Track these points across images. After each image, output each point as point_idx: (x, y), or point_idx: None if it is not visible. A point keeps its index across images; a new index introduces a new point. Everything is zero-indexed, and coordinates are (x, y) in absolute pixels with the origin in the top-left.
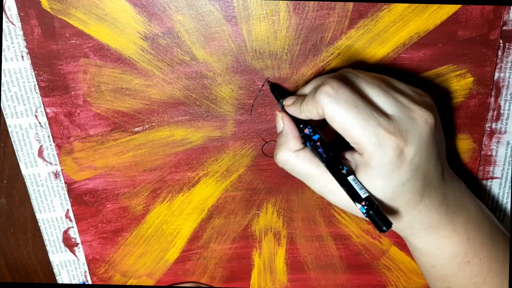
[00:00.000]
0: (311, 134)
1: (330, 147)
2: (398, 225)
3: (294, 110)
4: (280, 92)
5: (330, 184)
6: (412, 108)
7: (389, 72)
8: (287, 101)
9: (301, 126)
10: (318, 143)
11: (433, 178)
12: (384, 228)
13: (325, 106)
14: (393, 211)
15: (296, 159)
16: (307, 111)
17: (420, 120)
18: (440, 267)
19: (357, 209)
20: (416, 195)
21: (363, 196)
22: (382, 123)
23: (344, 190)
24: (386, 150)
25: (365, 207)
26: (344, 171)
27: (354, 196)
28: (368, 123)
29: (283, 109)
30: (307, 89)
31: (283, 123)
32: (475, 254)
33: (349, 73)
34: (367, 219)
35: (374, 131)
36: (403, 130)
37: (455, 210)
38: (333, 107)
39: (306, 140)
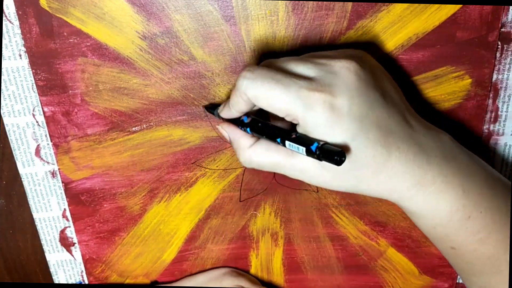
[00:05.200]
0: (248, 121)
1: (263, 121)
2: (379, 188)
3: (226, 113)
4: (213, 107)
5: (298, 163)
6: (332, 64)
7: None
8: (219, 108)
9: (240, 121)
10: (249, 121)
11: (392, 127)
12: (336, 158)
13: (246, 89)
14: (364, 174)
15: (255, 153)
16: (235, 105)
17: (342, 70)
18: (441, 227)
19: (334, 180)
20: (378, 148)
21: (309, 142)
22: (303, 85)
23: (291, 147)
24: (315, 108)
25: (313, 150)
26: (284, 133)
27: (304, 147)
28: (289, 89)
29: (221, 119)
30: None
31: (226, 130)
32: (475, 207)
33: (269, 61)
34: (322, 161)
35: (296, 94)
36: (326, 85)
37: (440, 162)
38: (253, 86)
39: (252, 132)
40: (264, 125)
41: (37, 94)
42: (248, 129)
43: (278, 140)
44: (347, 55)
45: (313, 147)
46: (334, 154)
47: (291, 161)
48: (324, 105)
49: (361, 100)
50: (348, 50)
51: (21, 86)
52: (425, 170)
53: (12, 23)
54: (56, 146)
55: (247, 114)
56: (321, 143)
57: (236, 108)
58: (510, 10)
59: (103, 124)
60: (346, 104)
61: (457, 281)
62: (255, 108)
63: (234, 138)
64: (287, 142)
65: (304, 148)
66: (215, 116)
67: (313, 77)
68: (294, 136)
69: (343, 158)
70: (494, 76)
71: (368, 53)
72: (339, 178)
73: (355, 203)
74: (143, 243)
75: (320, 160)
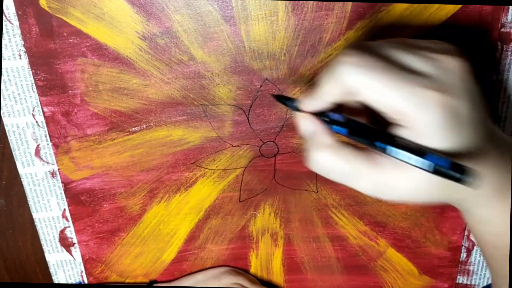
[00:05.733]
0: (342, 119)
1: (358, 121)
2: (469, 194)
3: (311, 103)
4: (286, 98)
5: (383, 175)
6: (442, 59)
7: None
8: (302, 99)
9: (324, 118)
10: (344, 120)
11: (492, 130)
12: (459, 176)
13: (347, 78)
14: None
15: (334, 155)
16: (326, 94)
17: (459, 70)
18: (505, 234)
19: (424, 192)
20: (484, 155)
21: (424, 148)
22: (419, 82)
23: (397, 156)
24: (433, 110)
25: (432, 161)
26: (387, 136)
27: (420, 156)
28: (402, 83)
29: (298, 111)
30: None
31: (306, 123)
32: None
33: (362, 43)
34: (438, 176)
35: (412, 91)
36: (445, 85)
37: None
38: (357, 73)
39: (348, 134)
40: (361, 125)
41: (36, 94)
42: (333, 127)
43: (379, 143)
44: (452, 50)
45: (439, 161)
46: (464, 171)
47: (378, 175)
48: (444, 107)
49: (473, 103)
50: (447, 45)
51: (21, 86)
52: (508, 174)
53: (12, 23)
54: (56, 146)
55: (332, 111)
56: (446, 158)
57: (326, 98)
58: (510, 10)
59: (103, 124)
60: (468, 109)
61: (457, 281)
62: (345, 100)
63: (314, 132)
64: (392, 149)
65: (421, 159)
66: (290, 107)
67: (427, 74)
68: (404, 142)
69: (469, 178)
70: (494, 76)
71: None
72: (441, 190)
73: (355, 203)
74: (143, 243)
75: (444, 176)
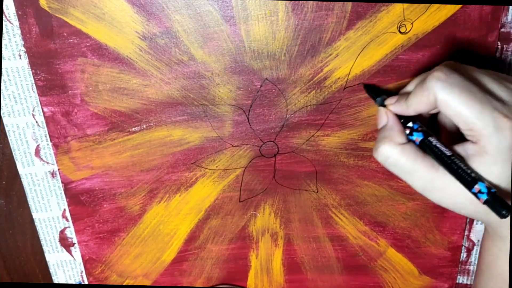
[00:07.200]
0: (418, 128)
1: (437, 138)
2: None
3: (399, 107)
4: (375, 91)
5: (437, 179)
6: None
7: (388, 74)
8: (390, 100)
9: (402, 121)
10: (423, 134)
11: None
12: (504, 212)
13: (437, 92)
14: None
15: (401, 153)
16: (416, 103)
17: None
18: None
19: (464, 206)
20: None
21: (478, 178)
22: (499, 107)
23: (456, 176)
24: (505, 134)
25: (482, 192)
26: (454, 157)
27: (467, 181)
28: (484, 106)
29: (384, 106)
30: (410, 87)
31: (387, 118)
32: None
33: (453, 64)
34: (484, 205)
35: (491, 114)
36: None
37: None
38: (446, 91)
39: (410, 135)
40: (431, 139)
41: (36, 95)
42: (415, 134)
43: (444, 159)
44: None
45: (483, 189)
46: (504, 206)
47: (431, 175)
48: None
49: None
50: None
51: (21, 86)
52: None
53: (12, 23)
54: (55, 146)
55: (412, 119)
56: (492, 189)
57: (414, 107)
58: (509, 10)
59: (103, 124)
60: None
61: (457, 281)
62: (431, 112)
63: (391, 128)
64: (452, 169)
65: (480, 177)
66: (376, 102)
67: (506, 101)
68: (463, 165)
69: (508, 215)
70: None
71: None
72: (480, 212)
73: (355, 203)
74: (143, 243)
75: (483, 202)
